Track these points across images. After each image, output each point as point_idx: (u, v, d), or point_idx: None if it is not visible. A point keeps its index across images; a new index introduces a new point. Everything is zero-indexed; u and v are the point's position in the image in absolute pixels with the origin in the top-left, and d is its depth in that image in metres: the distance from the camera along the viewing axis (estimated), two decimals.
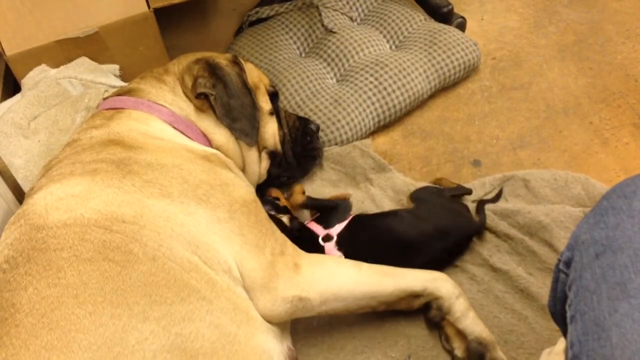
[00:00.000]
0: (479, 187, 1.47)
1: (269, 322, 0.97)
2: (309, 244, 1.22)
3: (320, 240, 1.26)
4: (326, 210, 1.34)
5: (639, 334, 0.57)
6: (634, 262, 0.62)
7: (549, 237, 1.30)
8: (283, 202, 1.35)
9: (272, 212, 1.29)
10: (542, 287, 1.23)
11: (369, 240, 1.26)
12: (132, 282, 0.80)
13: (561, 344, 1.05)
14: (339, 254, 1.23)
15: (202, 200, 0.96)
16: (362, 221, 1.31)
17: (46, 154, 1.39)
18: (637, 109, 1.65)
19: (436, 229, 1.27)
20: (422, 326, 1.20)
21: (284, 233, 1.09)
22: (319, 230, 1.28)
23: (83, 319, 0.75)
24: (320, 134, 1.56)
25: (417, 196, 1.38)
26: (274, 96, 1.37)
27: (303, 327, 1.20)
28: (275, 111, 1.36)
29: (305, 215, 1.40)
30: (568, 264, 0.72)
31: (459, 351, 1.13)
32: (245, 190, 1.06)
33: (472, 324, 1.12)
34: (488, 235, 1.35)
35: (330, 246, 1.24)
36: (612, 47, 1.86)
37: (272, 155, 1.35)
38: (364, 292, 1.07)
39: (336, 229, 1.27)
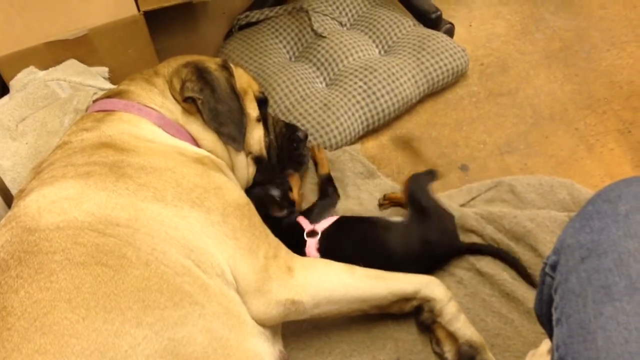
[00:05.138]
0: (466, 192, 1.49)
1: (262, 325, 0.97)
2: (293, 237, 1.24)
3: (305, 235, 1.27)
4: (323, 198, 1.38)
5: (623, 337, 0.58)
6: (618, 265, 0.63)
7: (534, 242, 1.31)
8: (294, 196, 1.37)
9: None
10: (527, 291, 1.25)
11: (352, 244, 1.26)
12: (125, 287, 0.80)
13: (545, 345, 1.07)
14: (316, 254, 1.24)
15: (195, 204, 0.96)
16: (349, 223, 1.31)
17: (34, 156, 1.38)
18: (622, 116, 1.68)
19: (422, 247, 1.26)
20: (410, 330, 1.20)
21: (269, 222, 1.10)
22: (306, 224, 1.29)
23: (76, 323, 0.75)
24: (310, 137, 1.56)
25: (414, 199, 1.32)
26: (262, 102, 1.37)
27: (292, 330, 1.21)
28: (263, 118, 1.37)
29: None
30: (554, 267, 0.73)
31: (449, 354, 1.14)
32: (239, 194, 1.07)
33: (463, 326, 1.14)
34: (475, 240, 1.36)
35: (312, 242, 1.25)
36: (597, 54, 1.88)
37: (258, 160, 1.36)
38: (356, 295, 1.08)
39: (322, 225, 1.28)
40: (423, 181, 1.35)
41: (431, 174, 1.40)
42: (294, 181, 1.42)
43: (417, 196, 1.31)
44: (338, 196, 1.45)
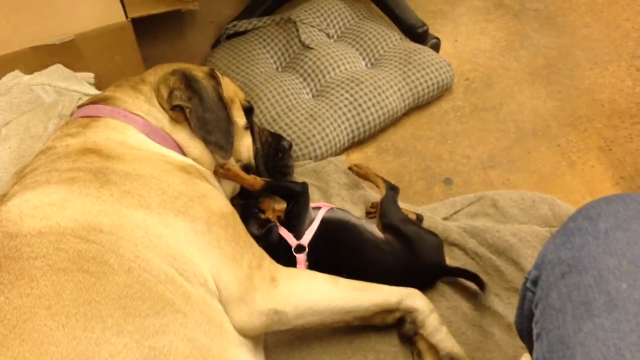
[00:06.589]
0: (450, 205, 1.50)
1: (245, 335, 0.97)
2: (284, 254, 1.23)
3: (293, 251, 1.25)
4: (291, 211, 1.32)
5: (602, 353, 0.58)
6: (598, 282, 0.64)
7: (515, 256, 1.32)
8: (268, 214, 1.34)
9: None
10: (507, 305, 1.26)
11: (338, 258, 1.26)
12: (106, 294, 0.79)
13: (525, 359, 1.08)
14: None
15: (180, 212, 0.96)
16: (334, 238, 1.29)
17: (17, 160, 1.37)
18: (603, 133, 1.70)
19: (408, 267, 1.26)
20: (392, 341, 1.20)
21: (260, 242, 1.09)
22: (291, 239, 1.28)
23: (55, 331, 0.74)
24: (295, 148, 1.57)
25: (390, 225, 1.31)
26: (248, 111, 1.38)
27: (273, 342, 1.20)
28: (250, 126, 1.37)
29: None
30: (535, 282, 0.74)
31: None
32: (223, 203, 1.06)
33: (445, 338, 1.14)
34: (458, 253, 1.37)
35: (302, 258, 1.25)
36: (580, 72, 1.91)
37: (245, 169, 1.36)
38: (340, 306, 1.08)
39: (307, 238, 1.27)
40: (395, 208, 1.35)
41: (395, 190, 1.40)
42: (267, 204, 1.38)
43: (394, 225, 1.30)
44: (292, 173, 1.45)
